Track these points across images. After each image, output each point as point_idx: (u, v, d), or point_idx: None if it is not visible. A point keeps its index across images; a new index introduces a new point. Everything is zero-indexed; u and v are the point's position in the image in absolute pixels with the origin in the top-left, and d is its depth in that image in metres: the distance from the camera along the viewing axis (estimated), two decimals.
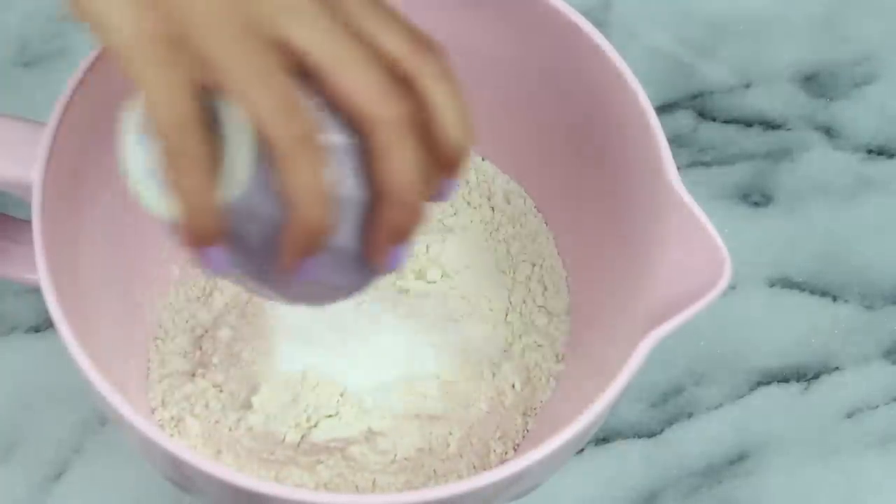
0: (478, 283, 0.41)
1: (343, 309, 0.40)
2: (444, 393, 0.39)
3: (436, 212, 0.43)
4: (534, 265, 0.42)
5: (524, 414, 0.40)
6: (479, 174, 0.43)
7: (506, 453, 0.39)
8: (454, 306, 0.40)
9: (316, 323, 0.40)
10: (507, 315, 0.41)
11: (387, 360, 0.39)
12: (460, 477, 0.38)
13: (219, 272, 0.29)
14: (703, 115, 0.49)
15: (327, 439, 0.38)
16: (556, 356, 0.41)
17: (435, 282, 0.40)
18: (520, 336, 0.41)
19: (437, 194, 0.30)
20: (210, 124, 0.28)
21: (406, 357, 0.39)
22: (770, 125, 0.48)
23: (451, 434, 0.39)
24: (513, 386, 0.40)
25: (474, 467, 0.39)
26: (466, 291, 0.41)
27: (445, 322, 0.40)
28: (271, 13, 0.27)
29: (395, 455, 0.38)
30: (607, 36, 0.37)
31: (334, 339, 0.39)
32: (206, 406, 0.39)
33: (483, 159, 0.43)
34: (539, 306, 0.41)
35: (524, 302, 0.41)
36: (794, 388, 0.44)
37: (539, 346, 0.41)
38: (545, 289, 0.42)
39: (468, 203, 0.43)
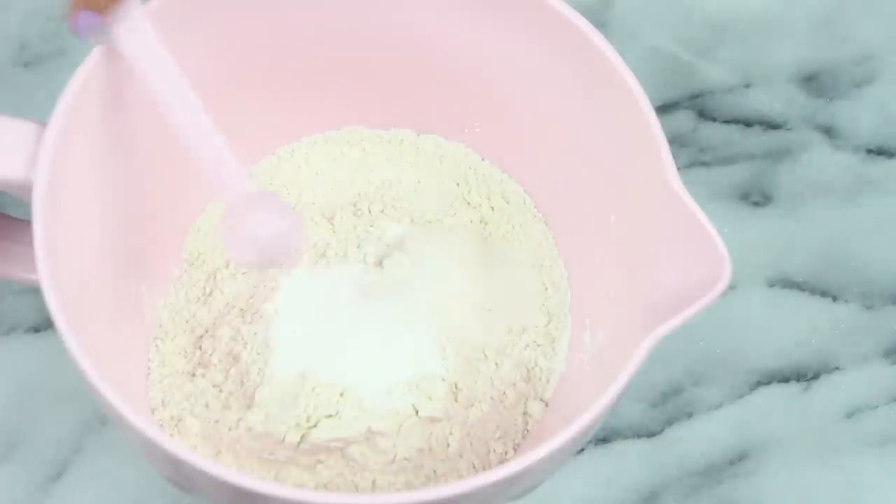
0: (477, 283, 0.41)
1: (343, 309, 0.40)
2: (444, 393, 0.39)
3: (435, 212, 0.43)
4: (533, 265, 0.42)
5: (524, 414, 0.40)
6: (479, 174, 0.43)
7: (506, 453, 0.39)
8: (453, 306, 0.40)
9: (316, 323, 0.40)
10: (506, 314, 0.41)
11: (386, 359, 0.39)
12: (460, 477, 0.38)
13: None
14: (703, 115, 0.49)
15: (327, 439, 0.38)
16: (556, 356, 0.41)
17: (434, 282, 0.40)
18: (520, 335, 0.41)
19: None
20: None
21: (406, 357, 0.39)
22: (770, 125, 0.48)
23: (451, 434, 0.39)
24: (513, 385, 0.40)
25: (474, 467, 0.39)
26: (465, 291, 0.41)
27: (445, 322, 0.40)
28: None
29: (395, 455, 0.38)
30: (607, 36, 0.37)
31: (334, 338, 0.39)
32: (206, 406, 0.39)
33: (483, 159, 0.43)
34: (539, 306, 0.41)
35: (524, 302, 0.41)
36: (794, 388, 0.44)
37: (539, 345, 0.41)
38: (545, 289, 0.42)
39: (468, 203, 0.43)
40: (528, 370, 0.40)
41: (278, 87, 0.42)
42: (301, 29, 0.40)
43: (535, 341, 0.41)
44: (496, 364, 0.40)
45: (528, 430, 0.40)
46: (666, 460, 0.43)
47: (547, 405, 0.40)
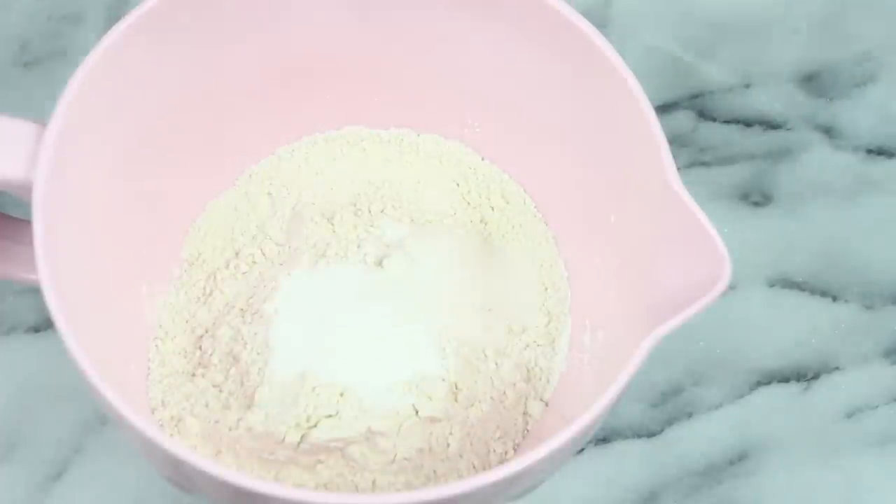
0: (477, 283, 0.41)
1: (343, 308, 0.40)
2: (444, 393, 0.39)
3: (435, 212, 0.43)
4: (533, 265, 0.42)
5: (524, 414, 0.40)
6: (479, 174, 0.43)
7: (506, 453, 0.39)
8: (453, 306, 0.40)
9: (316, 323, 0.40)
10: (506, 314, 0.41)
11: (386, 359, 0.39)
12: (460, 477, 0.38)
13: None
14: (703, 115, 0.49)
15: (327, 439, 0.38)
16: (556, 356, 0.41)
17: (434, 282, 0.40)
18: (520, 335, 0.41)
19: None
20: None
21: (406, 357, 0.39)
22: (770, 125, 0.48)
23: (451, 434, 0.39)
24: (513, 385, 0.40)
25: (474, 467, 0.39)
26: (465, 291, 0.41)
27: (444, 322, 0.40)
28: None
29: (395, 455, 0.38)
30: (607, 36, 0.37)
31: (334, 338, 0.39)
32: (206, 406, 0.39)
33: (483, 159, 0.43)
34: (539, 306, 0.41)
35: (524, 302, 0.41)
36: (794, 388, 0.44)
37: (539, 345, 0.41)
38: (545, 289, 0.42)
39: (468, 203, 0.43)
40: (528, 370, 0.40)
41: (278, 87, 0.42)
42: (301, 29, 0.40)
43: (535, 341, 0.41)
44: (496, 364, 0.40)
45: (528, 430, 0.40)
46: (666, 460, 0.43)
47: (547, 405, 0.40)
